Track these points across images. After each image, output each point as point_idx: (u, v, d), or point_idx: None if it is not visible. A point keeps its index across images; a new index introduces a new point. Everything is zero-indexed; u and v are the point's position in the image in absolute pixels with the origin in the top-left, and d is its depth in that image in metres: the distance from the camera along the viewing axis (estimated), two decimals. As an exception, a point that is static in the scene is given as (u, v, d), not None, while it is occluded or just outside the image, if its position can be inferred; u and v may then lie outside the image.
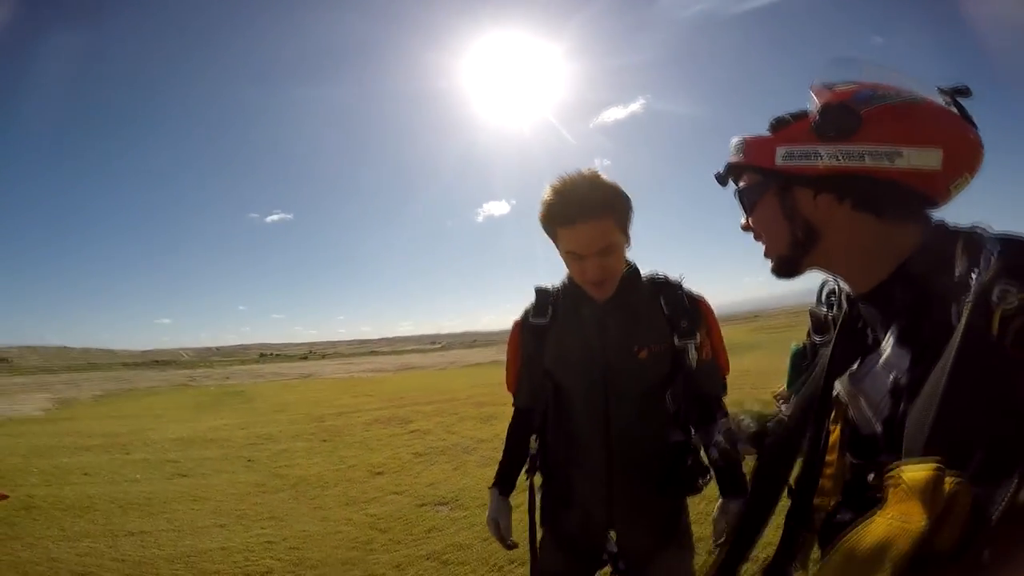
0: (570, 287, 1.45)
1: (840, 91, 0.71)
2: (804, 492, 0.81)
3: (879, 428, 0.69)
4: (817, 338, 0.91)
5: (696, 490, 1.40)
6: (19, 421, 11.79)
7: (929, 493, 0.48)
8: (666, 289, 1.41)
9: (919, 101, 0.68)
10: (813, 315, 0.91)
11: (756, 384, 9.09)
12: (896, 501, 0.51)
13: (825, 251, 0.75)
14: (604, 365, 1.36)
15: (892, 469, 0.53)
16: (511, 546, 1.54)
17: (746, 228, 0.84)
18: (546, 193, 1.31)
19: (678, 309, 1.38)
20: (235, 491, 5.06)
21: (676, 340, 1.36)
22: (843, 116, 0.68)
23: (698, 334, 1.38)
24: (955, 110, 0.67)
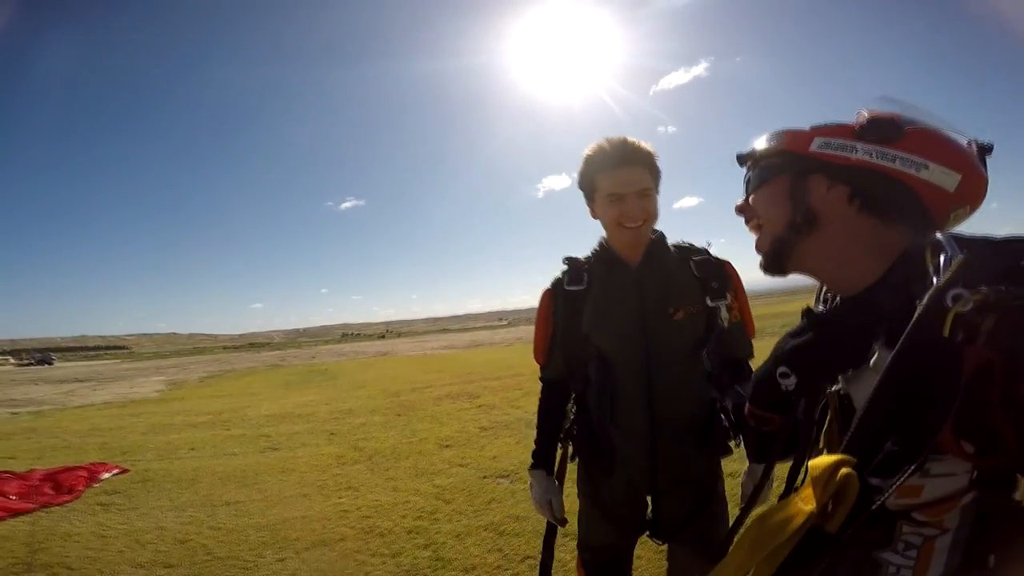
0: (602, 254, 1.48)
1: (887, 112, 0.75)
2: (791, 479, 0.85)
3: None
4: None
5: (727, 451, 1.45)
6: (139, 402, 13.35)
7: (823, 481, 0.55)
8: (694, 254, 1.46)
9: (955, 136, 0.73)
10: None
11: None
12: (805, 485, 0.59)
13: (818, 245, 0.78)
14: (643, 327, 1.40)
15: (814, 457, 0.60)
16: (564, 522, 1.57)
17: (740, 211, 0.87)
18: (585, 152, 1.43)
19: (708, 271, 1.43)
20: (318, 463, 5.47)
21: (709, 301, 1.41)
22: (888, 125, 0.72)
23: (728, 295, 1.42)
24: (976, 154, 0.73)
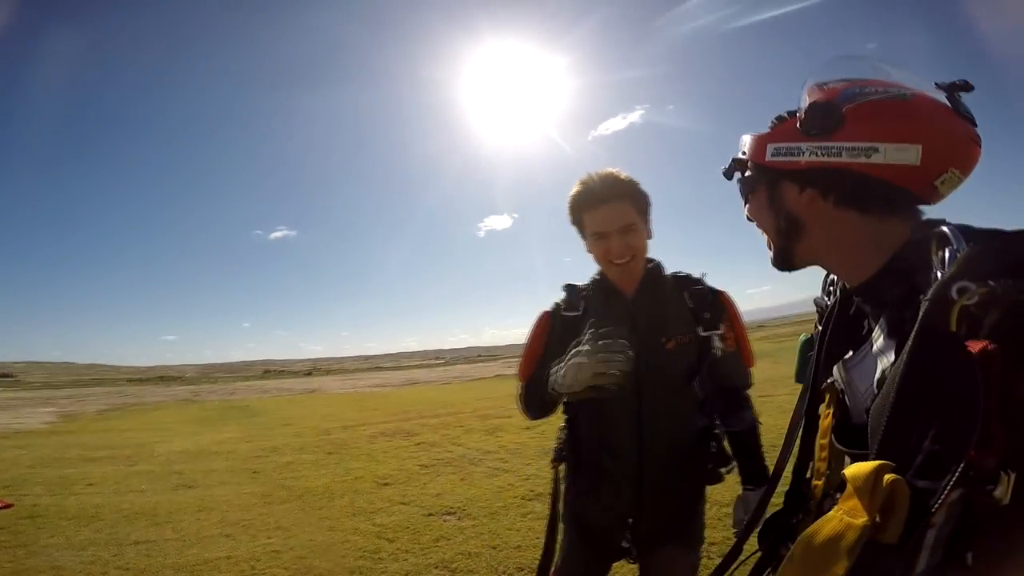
0: (599, 283, 1.50)
1: (829, 89, 0.73)
2: (798, 475, 0.86)
3: (864, 417, 0.69)
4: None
5: (718, 478, 1.45)
6: (25, 434, 11.75)
7: (868, 490, 0.52)
8: (689, 283, 1.49)
9: (905, 97, 0.68)
10: (817, 305, 0.93)
11: (763, 392, 9.03)
12: (845, 498, 0.54)
13: (812, 244, 0.77)
14: (635, 355, 1.37)
15: (847, 467, 0.56)
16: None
17: (749, 219, 0.87)
18: (573, 189, 1.44)
19: (702, 302, 1.45)
20: (241, 502, 5.01)
21: (701, 331, 1.42)
22: (826, 114, 0.70)
23: (722, 325, 1.44)
24: (949, 105, 0.68)
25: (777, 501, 0.92)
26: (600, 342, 1.21)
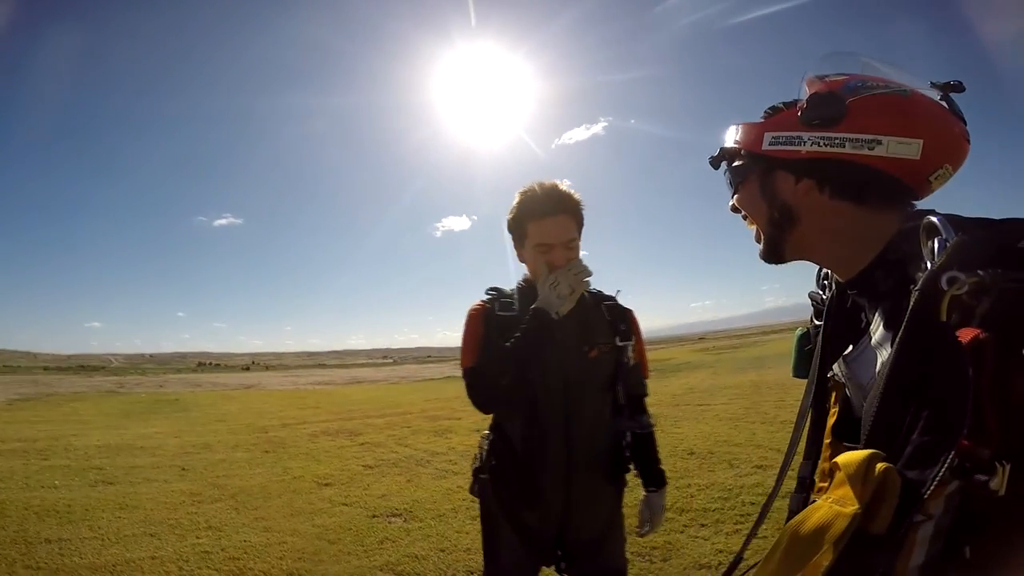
0: (526, 291, 1.54)
1: (831, 81, 0.73)
2: (808, 473, 0.84)
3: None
4: (818, 322, 0.91)
5: (624, 482, 1.58)
6: (-83, 423, 10.63)
7: (860, 478, 0.51)
8: (605, 299, 1.61)
9: (907, 93, 0.70)
10: (812, 298, 0.93)
11: (701, 401, 9.37)
12: (835, 486, 0.54)
13: (804, 235, 0.77)
14: (562, 363, 1.47)
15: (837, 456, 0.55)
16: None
17: (734, 209, 0.86)
18: (517, 196, 1.50)
19: (617, 315, 1.58)
20: (168, 500, 4.69)
21: (618, 341, 1.54)
22: (829, 104, 0.70)
23: (632, 338, 1.56)
24: (944, 104, 0.70)
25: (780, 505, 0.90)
26: (567, 266, 1.44)
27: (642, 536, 1.64)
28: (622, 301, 1.62)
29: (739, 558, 0.93)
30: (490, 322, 1.50)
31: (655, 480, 1.61)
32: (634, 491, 1.61)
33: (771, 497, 0.94)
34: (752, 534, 0.96)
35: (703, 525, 3.34)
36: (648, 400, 1.66)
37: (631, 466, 1.57)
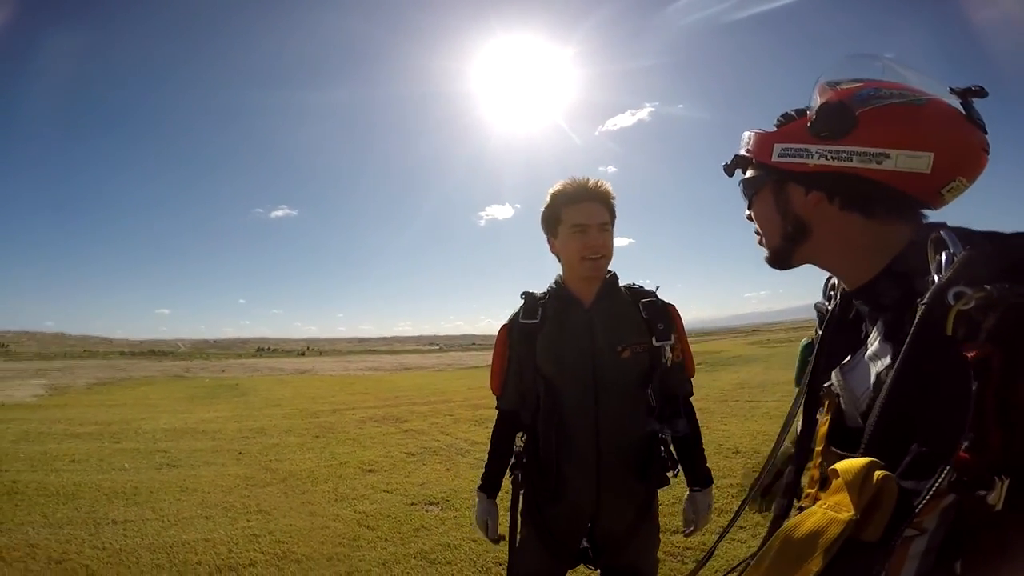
0: (558, 291, 1.57)
1: (842, 90, 0.71)
2: (793, 479, 0.85)
3: (860, 421, 0.69)
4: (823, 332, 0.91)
5: (665, 481, 1.54)
6: (10, 407, 11.68)
7: (857, 485, 0.51)
8: (643, 296, 1.56)
9: (921, 103, 0.67)
10: (818, 309, 0.92)
11: (751, 397, 9.05)
12: (832, 492, 0.54)
13: (815, 246, 0.77)
14: (592, 363, 1.48)
15: (835, 462, 0.55)
16: (499, 539, 1.63)
17: (751, 219, 0.86)
18: (553, 187, 1.54)
19: (655, 314, 1.53)
20: (223, 483, 4.99)
21: (654, 341, 1.50)
22: (838, 116, 0.68)
23: (672, 336, 1.52)
24: (963, 112, 0.66)
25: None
26: None
27: (687, 536, 1.63)
28: (663, 296, 1.57)
29: (710, 553, 1.01)
30: (513, 340, 1.57)
31: (700, 480, 1.58)
32: (673, 489, 1.61)
33: (744, 501, 0.98)
34: (723, 535, 1.02)
35: (741, 527, 3.24)
36: (695, 396, 1.62)
37: (671, 466, 1.54)
